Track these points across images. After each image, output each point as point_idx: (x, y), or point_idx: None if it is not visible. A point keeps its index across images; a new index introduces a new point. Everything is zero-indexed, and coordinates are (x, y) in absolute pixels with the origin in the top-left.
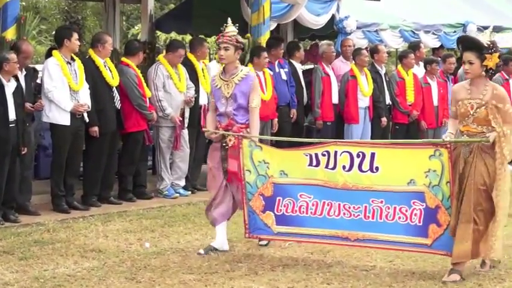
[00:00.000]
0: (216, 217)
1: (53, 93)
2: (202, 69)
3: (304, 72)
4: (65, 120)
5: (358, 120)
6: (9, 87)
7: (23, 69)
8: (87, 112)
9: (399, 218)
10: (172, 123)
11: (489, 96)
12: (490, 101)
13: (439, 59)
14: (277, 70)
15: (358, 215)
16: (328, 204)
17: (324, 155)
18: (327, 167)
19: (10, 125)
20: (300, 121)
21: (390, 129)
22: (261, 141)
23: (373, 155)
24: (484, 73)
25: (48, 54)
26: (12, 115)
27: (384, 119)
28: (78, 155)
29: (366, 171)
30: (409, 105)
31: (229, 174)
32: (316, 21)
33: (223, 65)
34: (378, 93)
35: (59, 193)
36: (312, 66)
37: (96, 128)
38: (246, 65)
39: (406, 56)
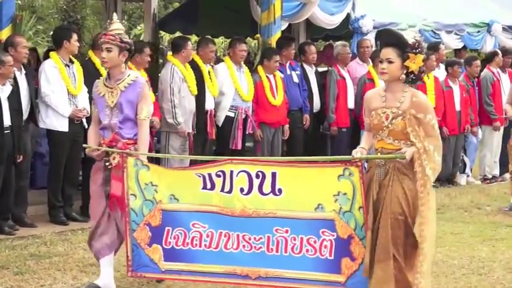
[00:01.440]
0: (100, 249)
1: (50, 98)
2: (209, 72)
3: (318, 74)
4: (62, 126)
5: None
6: (4, 91)
7: (22, 68)
8: (86, 118)
9: (307, 250)
10: (180, 133)
11: (407, 105)
12: (408, 110)
13: (462, 60)
14: (288, 72)
15: (260, 247)
16: (225, 235)
17: (218, 175)
18: (222, 190)
19: (5, 132)
20: (313, 127)
21: None
22: (150, 159)
23: (274, 174)
24: (403, 77)
25: (46, 57)
26: (7, 121)
27: None
28: (77, 163)
29: (268, 193)
30: None
31: (111, 199)
32: (330, 20)
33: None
34: None
35: (57, 204)
36: (326, 68)
37: None
38: (256, 68)
39: (426, 57)
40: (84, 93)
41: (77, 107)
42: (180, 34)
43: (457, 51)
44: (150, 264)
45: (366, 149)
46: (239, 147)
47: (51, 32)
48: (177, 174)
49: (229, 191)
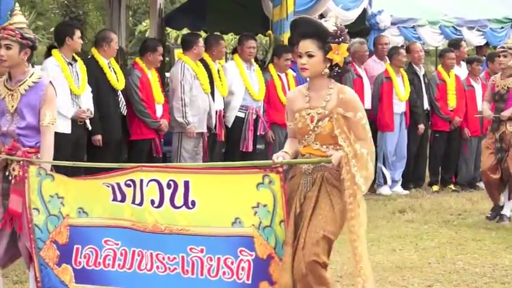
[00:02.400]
0: None
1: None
2: (218, 71)
3: None
4: (65, 127)
5: (393, 128)
6: None
7: None
8: (89, 119)
9: (224, 273)
10: (188, 134)
11: (334, 103)
12: (335, 109)
13: (482, 57)
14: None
15: (175, 268)
16: (138, 254)
17: (128, 185)
18: (133, 202)
19: None
20: None
21: (429, 137)
22: (56, 168)
23: (187, 184)
24: (327, 71)
25: (48, 54)
26: None
27: (422, 126)
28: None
29: (180, 206)
30: (451, 110)
31: (8, 214)
32: (346, 16)
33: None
34: (416, 97)
35: None
36: None
37: (99, 137)
38: (267, 66)
39: (444, 54)
40: (87, 93)
41: (80, 107)
42: (187, 30)
43: (478, 48)
44: (60, 286)
45: (289, 153)
46: (250, 149)
47: (52, 29)
48: (85, 184)
49: (140, 203)
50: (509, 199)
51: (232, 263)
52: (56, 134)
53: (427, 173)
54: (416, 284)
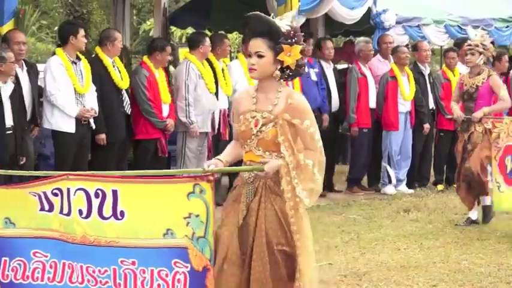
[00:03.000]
0: None
1: (56, 97)
2: (223, 70)
3: (337, 72)
4: (69, 127)
5: (398, 127)
6: (6, 90)
7: (23, 65)
8: (93, 118)
9: (159, 286)
10: (192, 133)
11: (281, 108)
12: (281, 114)
13: None
14: (306, 70)
15: (107, 282)
16: (68, 266)
17: (55, 194)
18: (61, 212)
19: (7, 132)
20: (332, 128)
21: (434, 137)
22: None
23: (115, 193)
24: (277, 73)
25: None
26: (9, 121)
27: (427, 126)
28: (84, 165)
29: (109, 217)
30: None
31: None
32: (350, 15)
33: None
34: (421, 96)
35: None
36: (346, 65)
37: (103, 136)
38: None
39: (445, 53)
40: (92, 92)
41: (84, 106)
42: (192, 29)
43: None
44: None
45: (223, 161)
46: None
47: (56, 27)
48: (11, 193)
49: (68, 213)
50: (477, 203)
51: (167, 275)
52: (60, 133)
53: (432, 172)
54: (421, 284)
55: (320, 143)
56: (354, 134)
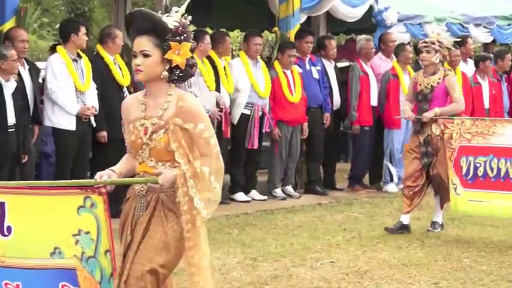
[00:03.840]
0: None
1: (57, 94)
2: (224, 68)
3: (338, 70)
4: (70, 124)
5: (399, 125)
6: (8, 87)
7: (25, 64)
8: (94, 116)
9: None
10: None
11: (172, 112)
12: (172, 119)
13: (492, 55)
14: (307, 68)
15: None
16: None
17: None
18: None
19: (9, 130)
20: (334, 126)
21: None
22: None
23: (2, 206)
24: (166, 74)
25: (52, 52)
26: (11, 119)
27: None
28: (85, 163)
29: None
30: None
31: None
32: (352, 13)
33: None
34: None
35: None
36: (347, 63)
37: (104, 133)
38: (273, 63)
39: (450, 52)
40: (92, 90)
41: (85, 104)
42: (193, 27)
43: (485, 46)
44: None
45: (117, 172)
46: (255, 146)
47: (57, 25)
48: None
49: None
50: (441, 207)
51: None
52: (61, 130)
53: None
54: (422, 282)
55: (217, 149)
56: (355, 132)
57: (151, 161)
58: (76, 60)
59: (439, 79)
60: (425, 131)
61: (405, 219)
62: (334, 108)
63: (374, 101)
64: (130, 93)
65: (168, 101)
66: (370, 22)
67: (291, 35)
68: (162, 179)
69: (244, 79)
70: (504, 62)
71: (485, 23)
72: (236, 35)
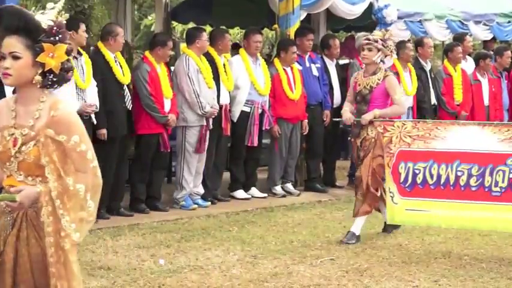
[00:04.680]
0: None
1: (57, 92)
2: (224, 65)
3: (339, 67)
4: None
5: None
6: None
7: None
8: (94, 113)
9: None
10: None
11: (43, 122)
12: (43, 130)
13: (492, 53)
14: (307, 65)
15: None
16: None
17: None
18: None
19: None
20: (333, 123)
21: None
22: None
23: None
24: (38, 78)
25: None
26: None
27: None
28: None
29: None
30: (457, 105)
31: None
32: (352, 10)
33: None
34: (423, 91)
35: None
36: (347, 61)
37: (104, 131)
38: (273, 60)
39: (452, 49)
40: (93, 87)
41: (85, 101)
42: (193, 24)
43: (485, 43)
44: None
45: None
46: (255, 143)
47: None
48: None
49: None
50: (355, 214)
51: None
52: None
53: None
54: (422, 279)
55: (94, 163)
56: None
57: (20, 175)
58: (76, 58)
59: (379, 80)
60: (361, 134)
61: (356, 228)
62: (335, 105)
63: None
64: (130, 91)
65: (40, 109)
66: (370, 19)
67: (291, 32)
68: (21, 196)
69: (244, 76)
70: (503, 59)
71: (485, 20)
72: (236, 32)
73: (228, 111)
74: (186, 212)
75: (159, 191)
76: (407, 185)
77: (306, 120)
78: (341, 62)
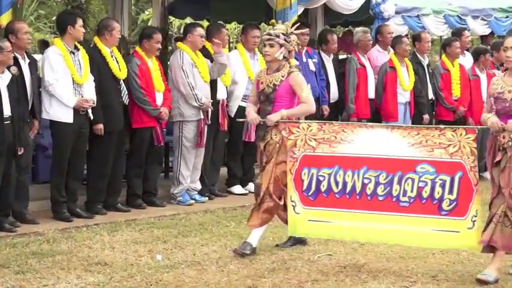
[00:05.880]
0: None
1: (54, 87)
2: None
3: (336, 63)
4: (67, 117)
5: (397, 118)
6: (4, 79)
7: (26, 57)
8: (91, 108)
9: None
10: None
11: None
12: None
13: (489, 47)
14: (304, 60)
15: None
16: None
17: None
18: None
19: (5, 122)
20: (330, 118)
21: None
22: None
23: None
24: None
25: (42, 46)
26: (7, 111)
27: (426, 116)
28: (82, 156)
29: None
30: (455, 100)
31: None
32: (349, 5)
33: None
34: (420, 86)
35: (60, 199)
36: (344, 56)
37: (101, 126)
38: None
39: (450, 44)
40: (90, 82)
41: (82, 96)
42: (191, 19)
43: (483, 38)
44: None
45: None
46: (252, 139)
47: (54, 17)
48: None
49: None
50: (252, 225)
51: None
52: (58, 123)
53: None
54: (420, 275)
55: None
56: None
57: None
58: (73, 53)
59: (283, 77)
60: (266, 138)
61: (253, 239)
62: (332, 100)
63: (371, 94)
64: (126, 86)
65: None
66: (368, 14)
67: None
68: None
69: (242, 71)
70: (499, 53)
71: (482, 15)
72: (233, 27)
73: (225, 106)
74: (183, 208)
75: (155, 186)
76: (310, 193)
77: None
78: (339, 57)
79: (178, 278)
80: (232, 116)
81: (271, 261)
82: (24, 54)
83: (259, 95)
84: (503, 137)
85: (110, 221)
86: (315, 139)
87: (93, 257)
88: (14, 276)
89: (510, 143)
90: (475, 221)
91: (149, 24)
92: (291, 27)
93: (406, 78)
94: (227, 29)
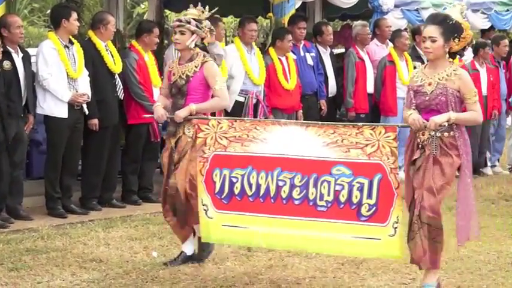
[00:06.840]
0: None
1: (49, 81)
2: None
3: (334, 57)
4: (61, 112)
5: (396, 112)
6: None
7: (19, 51)
8: (86, 103)
9: None
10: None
11: None
12: None
13: (489, 41)
14: (302, 54)
15: None
16: None
17: None
18: None
19: None
20: (330, 113)
21: None
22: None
23: None
24: None
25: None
26: None
27: None
28: (76, 151)
29: None
30: None
31: None
32: None
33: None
34: None
35: (54, 195)
36: (343, 50)
37: (95, 121)
38: (267, 49)
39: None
40: (84, 77)
41: (77, 91)
42: None
43: (483, 32)
44: None
45: None
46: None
47: (48, 11)
48: None
49: None
50: (193, 234)
51: None
52: (53, 118)
53: None
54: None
55: None
56: (351, 119)
57: None
58: (68, 47)
59: (196, 67)
60: (177, 133)
61: (187, 248)
62: (330, 95)
63: (370, 88)
64: (121, 80)
65: None
66: (366, 8)
67: (286, 20)
68: None
69: (239, 66)
70: (500, 48)
71: (483, 8)
72: (230, 21)
73: None
74: None
75: (151, 182)
76: (223, 196)
77: (301, 111)
78: (337, 51)
79: (174, 275)
80: (229, 111)
81: (269, 258)
82: (18, 48)
83: (170, 87)
84: (423, 134)
85: (105, 217)
86: (225, 137)
87: (88, 254)
88: (7, 273)
89: (429, 140)
90: (396, 227)
91: (145, 17)
92: (205, 12)
93: (405, 73)
94: (224, 23)
